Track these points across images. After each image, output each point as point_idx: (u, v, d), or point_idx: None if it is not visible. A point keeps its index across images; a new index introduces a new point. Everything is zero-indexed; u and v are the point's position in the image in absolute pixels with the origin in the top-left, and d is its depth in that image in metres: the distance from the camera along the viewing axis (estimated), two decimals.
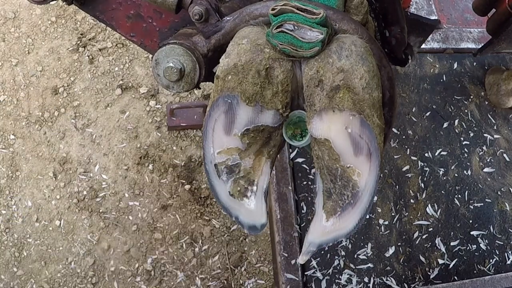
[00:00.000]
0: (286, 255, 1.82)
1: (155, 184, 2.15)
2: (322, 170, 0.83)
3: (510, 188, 2.14)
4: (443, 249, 1.97)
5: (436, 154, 2.12)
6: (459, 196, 2.07)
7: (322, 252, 1.88)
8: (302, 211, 1.92)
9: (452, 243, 1.99)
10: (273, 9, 0.78)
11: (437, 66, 2.30)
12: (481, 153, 2.17)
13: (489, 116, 2.25)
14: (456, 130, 2.19)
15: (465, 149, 2.16)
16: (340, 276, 1.86)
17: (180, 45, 0.86)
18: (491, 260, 2.00)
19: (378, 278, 1.89)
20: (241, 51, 0.79)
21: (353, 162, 0.78)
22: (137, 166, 2.17)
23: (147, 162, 2.18)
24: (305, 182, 1.96)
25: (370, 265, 1.90)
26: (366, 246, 1.92)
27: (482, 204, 2.08)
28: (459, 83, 2.29)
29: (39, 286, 1.98)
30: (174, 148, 2.22)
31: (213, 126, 0.82)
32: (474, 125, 2.21)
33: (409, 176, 2.07)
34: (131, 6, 1.04)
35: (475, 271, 1.97)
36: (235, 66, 0.79)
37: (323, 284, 1.83)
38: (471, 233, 2.03)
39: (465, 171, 2.12)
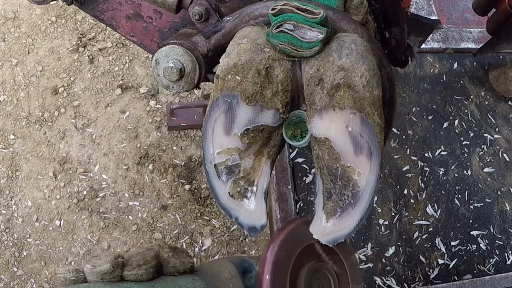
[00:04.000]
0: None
1: (155, 184, 2.15)
2: (322, 170, 0.82)
3: (510, 188, 2.14)
4: (443, 249, 1.97)
5: (436, 154, 2.12)
6: (459, 196, 2.07)
7: None
8: (302, 211, 1.92)
9: (452, 243, 1.99)
10: (273, 9, 0.78)
11: (437, 66, 2.30)
12: (481, 153, 2.17)
13: (489, 116, 2.25)
14: (456, 130, 2.19)
15: (465, 149, 2.16)
16: None
17: (180, 45, 0.86)
18: (491, 260, 2.00)
19: (378, 278, 1.89)
20: (241, 51, 0.79)
21: (354, 161, 0.78)
22: (137, 166, 2.17)
23: (147, 162, 2.18)
24: (305, 182, 1.96)
25: (370, 265, 1.90)
26: (366, 246, 1.92)
27: (482, 204, 2.08)
28: (459, 83, 2.29)
29: (39, 286, 1.98)
30: (174, 148, 2.22)
31: (213, 126, 0.82)
32: (474, 125, 2.21)
33: (409, 176, 2.06)
34: (131, 6, 1.04)
35: (475, 271, 1.97)
36: (235, 66, 0.79)
37: None
38: (471, 233, 2.03)
39: (465, 171, 2.12)
